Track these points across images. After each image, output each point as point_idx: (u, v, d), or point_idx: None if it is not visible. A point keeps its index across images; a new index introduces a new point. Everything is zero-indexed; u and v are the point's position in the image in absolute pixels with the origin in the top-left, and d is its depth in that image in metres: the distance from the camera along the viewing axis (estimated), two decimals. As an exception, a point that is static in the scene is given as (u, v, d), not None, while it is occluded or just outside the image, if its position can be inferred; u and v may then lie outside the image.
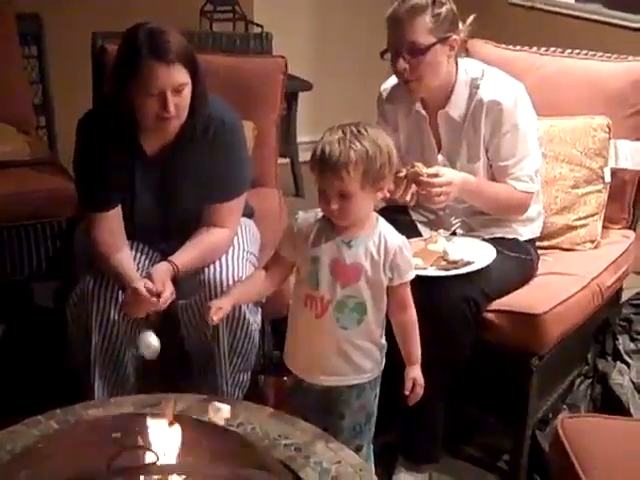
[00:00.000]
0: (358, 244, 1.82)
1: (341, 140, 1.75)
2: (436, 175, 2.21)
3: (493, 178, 2.37)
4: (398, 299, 1.88)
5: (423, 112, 2.37)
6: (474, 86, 2.31)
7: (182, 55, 2.07)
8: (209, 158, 2.21)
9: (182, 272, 2.15)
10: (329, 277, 1.82)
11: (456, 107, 2.33)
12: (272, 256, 1.96)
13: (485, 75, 2.33)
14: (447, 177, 2.23)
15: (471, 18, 2.30)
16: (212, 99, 2.23)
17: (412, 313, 1.90)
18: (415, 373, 1.90)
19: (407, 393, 1.89)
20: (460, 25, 2.28)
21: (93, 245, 2.21)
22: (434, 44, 2.22)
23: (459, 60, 2.35)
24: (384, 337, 1.92)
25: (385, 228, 1.85)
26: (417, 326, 1.90)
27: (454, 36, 2.26)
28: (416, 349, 1.91)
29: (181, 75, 2.08)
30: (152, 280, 2.10)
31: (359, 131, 1.76)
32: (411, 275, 1.87)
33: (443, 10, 2.22)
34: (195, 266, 2.19)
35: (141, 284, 2.08)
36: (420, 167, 2.20)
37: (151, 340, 2.05)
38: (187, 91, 2.11)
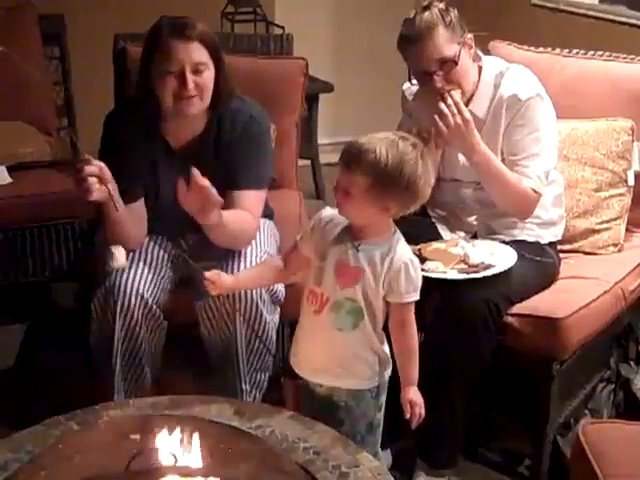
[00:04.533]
0: (366, 250, 1.81)
1: (374, 140, 1.73)
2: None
3: None
4: (396, 318, 1.85)
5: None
6: (497, 83, 2.31)
7: (202, 35, 2.11)
8: (236, 149, 2.23)
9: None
10: (332, 276, 1.82)
11: (480, 105, 2.32)
12: (291, 247, 1.96)
13: (508, 71, 2.33)
14: (470, 118, 2.21)
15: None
16: (241, 97, 2.26)
17: (412, 336, 1.86)
18: (411, 395, 1.86)
19: (408, 417, 1.87)
20: None
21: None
22: (460, 51, 2.23)
23: (483, 58, 2.35)
24: (387, 349, 1.89)
25: (399, 243, 1.83)
26: (417, 349, 1.86)
27: (468, 35, 2.27)
28: (412, 371, 1.87)
29: (200, 53, 2.11)
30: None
31: (397, 147, 1.73)
32: (412, 298, 1.82)
33: (452, 16, 2.23)
34: (231, 228, 2.15)
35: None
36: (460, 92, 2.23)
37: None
38: (208, 73, 2.14)
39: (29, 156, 3.04)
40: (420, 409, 1.87)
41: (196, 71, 2.11)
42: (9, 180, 2.94)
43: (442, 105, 2.21)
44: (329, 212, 1.87)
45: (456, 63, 2.23)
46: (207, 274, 1.90)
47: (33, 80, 3.25)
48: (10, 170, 2.96)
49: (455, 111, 2.20)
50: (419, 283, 1.83)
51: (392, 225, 1.84)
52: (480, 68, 2.34)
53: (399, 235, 1.84)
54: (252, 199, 2.26)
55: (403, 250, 1.83)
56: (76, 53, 3.58)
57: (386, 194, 1.74)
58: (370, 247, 1.81)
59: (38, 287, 3.03)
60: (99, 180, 2.06)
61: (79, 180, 2.05)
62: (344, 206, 1.78)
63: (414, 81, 2.34)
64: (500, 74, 2.33)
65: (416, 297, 1.83)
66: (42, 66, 3.39)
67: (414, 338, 1.87)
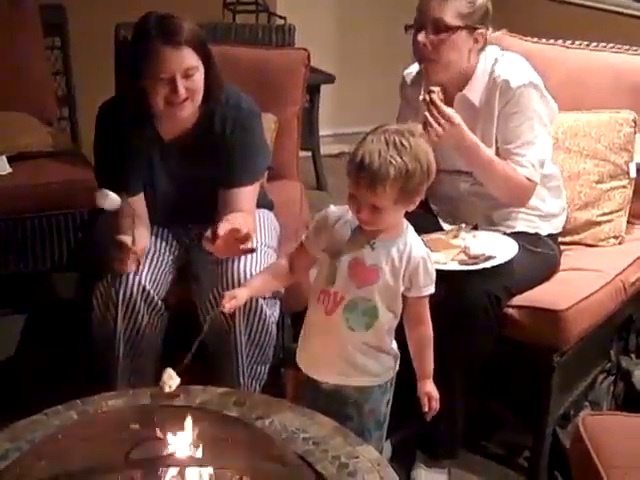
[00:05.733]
0: (381, 247, 1.79)
1: (382, 152, 1.69)
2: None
3: None
4: (413, 312, 1.85)
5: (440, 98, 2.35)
6: (492, 70, 2.30)
7: (192, 39, 2.09)
8: (228, 143, 2.22)
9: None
10: (346, 275, 1.79)
11: (474, 91, 2.31)
12: (296, 248, 1.94)
13: (502, 57, 2.32)
14: (454, 115, 2.20)
15: (500, 32, 2.32)
16: (229, 88, 2.24)
17: (427, 328, 1.86)
18: (428, 388, 1.87)
19: (425, 410, 1.87)
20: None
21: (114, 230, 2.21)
22: (459, 28, 2.21)
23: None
24: (395, 345, 1.89)
25: (412, 237, 1.82)
26: (432, 341, 1.87)
27: (482, 30, 2.25)
28: (429, 364, 1.87)
29: (190, 58, 2.09)
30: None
31: (402, 143, 1.70)
32: (430, 290, 1.82)
33: (481, 2, 2.22)
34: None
35: (126, 238, 2.08)
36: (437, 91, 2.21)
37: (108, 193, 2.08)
38: (198, 76, 2.12)
39: (30, 146, 3.03)
40: (436, 403, 1.87)
41: (187, 76, 2.09)
42: (9, 170, 2.93)
43: (428, 115, 2.20)
44: (335, 210, 1.84)
45: (446, 33, 2.20)
46: (225, 298, 1.85)
47: (34, 70, 3.25)
48: (10, 160, 2.95)
49: (442, 121, 2.19)
50: (434, 275, 1.83)
51: (404, 219, 1.82)
52: (478, 60, 2.30)
53: (411, 229, 1.83)
54: (248, 194, 2.26)
55: (418, 244, 1.82)
56: (77, 43, 3.58)
57: (415, 190, 1.74)
58: (386, 244, 1.79)
59: (39, 277, 3.03)
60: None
61: (118, 259, 2.10)
62: (375, 220, 1.75)
63: (410, 32, 2.30)
64: (495, 61, 2.31)
65: (432, 290, 1.83)
66: (43, 56, 3.39)
67: (429, 331, 1.86)
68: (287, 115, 2.81)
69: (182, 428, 1.61)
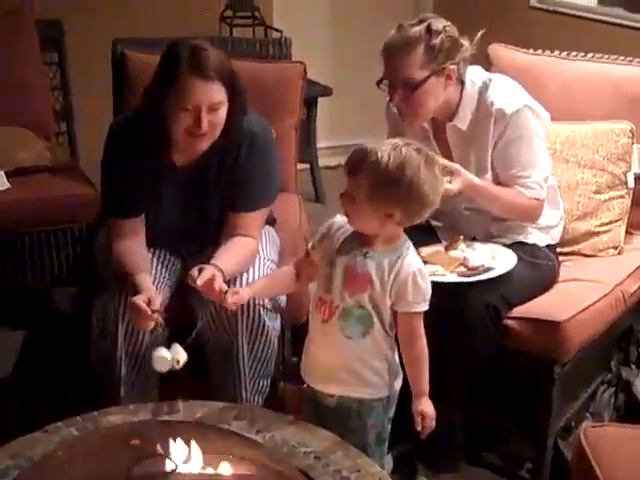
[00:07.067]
0: (374, 257, 1.80)
1: (379, 145, 1.74)
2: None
3: None
4: (405, 329, 1.84)
5: (426, 126, 2.35)
6: (481, 95, 2.29)
7: (222, 73, 2.07)
8: (241, 170, 2.22)
9: (225, 278, 2.11)
10: (340, 283, 1.81)
11: (463, 119, 2.30)
12: (302, 256, 1.96)
13: (492, 82, 2.31)
14: (457, 167, 2.20)
15: (479, 34, 2.26)
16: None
17: (422, 345, 1.84)
18: (423, 406, 1.85)
19: (419, 429, 1.86)
20: (465, 43, 2.24)
21: (114, 260, 2.20)
22: (428, 77, 2.19)
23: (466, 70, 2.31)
24: (397, 360, 1.88)
25: (408, 252, 1.82)
26: (427, 359, 1.85)
27: (451, 66, 2.22)
28: (424, 382, 1.86)
29: (218, 93, 2.07)
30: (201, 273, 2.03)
31: (400, 149, 1.73)
32: (421, 308, 1.81)
33: (438, 41, 2.18)
34: (233, 275, 2.17)
35: (139, 298, 2.04)
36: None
37: (162, 353, 1.92)
38: (222, 111, 2.10)
39: (28, 161, 3.04)
40: (431, 421, 1.86)
41: (211, 109, 2.07)
42: (7, 185, 2.93)
43: None
44: (340, 220, 1.86)
45: (416, 89, 2.19)
46: (228, 293, 1.89)
47: (32, 85, 3.25)
48: (9, 175, 2.96)
49: (449, 178, 2.16)
50: (428, 293, 1.82)
51: (402, 234, 1.83)
52: (463, 86, 2.29)
53: (409, 244, 1.83)
54: (255, 220, 2.27)
55: (412, 259, 1.81)
56: (75, 58, 3.58)
57: (388, 197, 1.73)
58: (379, 255, 1.80)
59: (37, 292, 3.03)
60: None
61: (135, 320, 2.07)
62: (350, 212, 1.78)
63: (383, 85, 2.30)
64: (484, 86, 2.30)
65: (425, 307, 1.82)
66: (41, 71, 3.39)
67: (423, 348, 1.85)
68: (285, 128, 2.82)
69: (183, 444, 1.61)
